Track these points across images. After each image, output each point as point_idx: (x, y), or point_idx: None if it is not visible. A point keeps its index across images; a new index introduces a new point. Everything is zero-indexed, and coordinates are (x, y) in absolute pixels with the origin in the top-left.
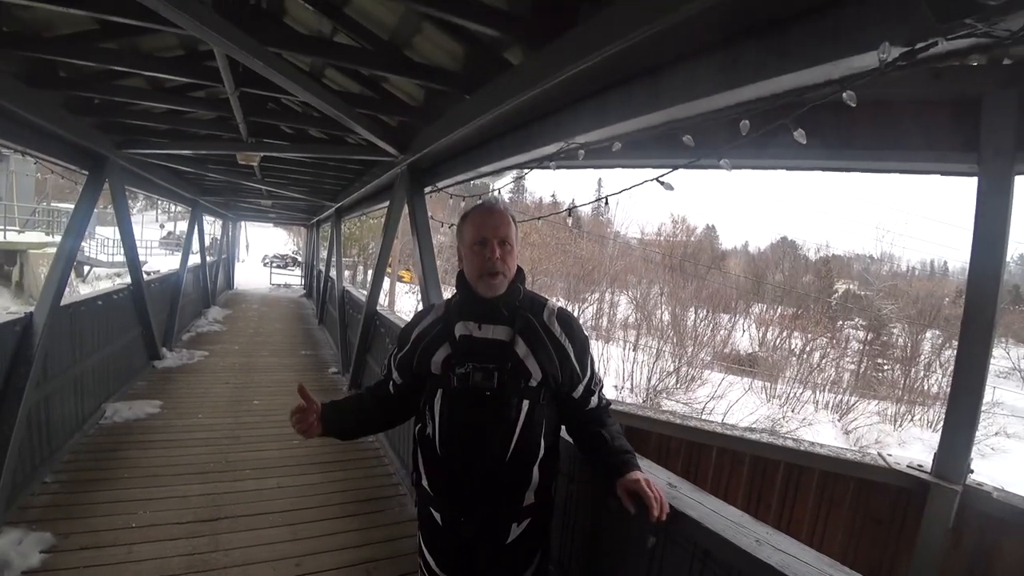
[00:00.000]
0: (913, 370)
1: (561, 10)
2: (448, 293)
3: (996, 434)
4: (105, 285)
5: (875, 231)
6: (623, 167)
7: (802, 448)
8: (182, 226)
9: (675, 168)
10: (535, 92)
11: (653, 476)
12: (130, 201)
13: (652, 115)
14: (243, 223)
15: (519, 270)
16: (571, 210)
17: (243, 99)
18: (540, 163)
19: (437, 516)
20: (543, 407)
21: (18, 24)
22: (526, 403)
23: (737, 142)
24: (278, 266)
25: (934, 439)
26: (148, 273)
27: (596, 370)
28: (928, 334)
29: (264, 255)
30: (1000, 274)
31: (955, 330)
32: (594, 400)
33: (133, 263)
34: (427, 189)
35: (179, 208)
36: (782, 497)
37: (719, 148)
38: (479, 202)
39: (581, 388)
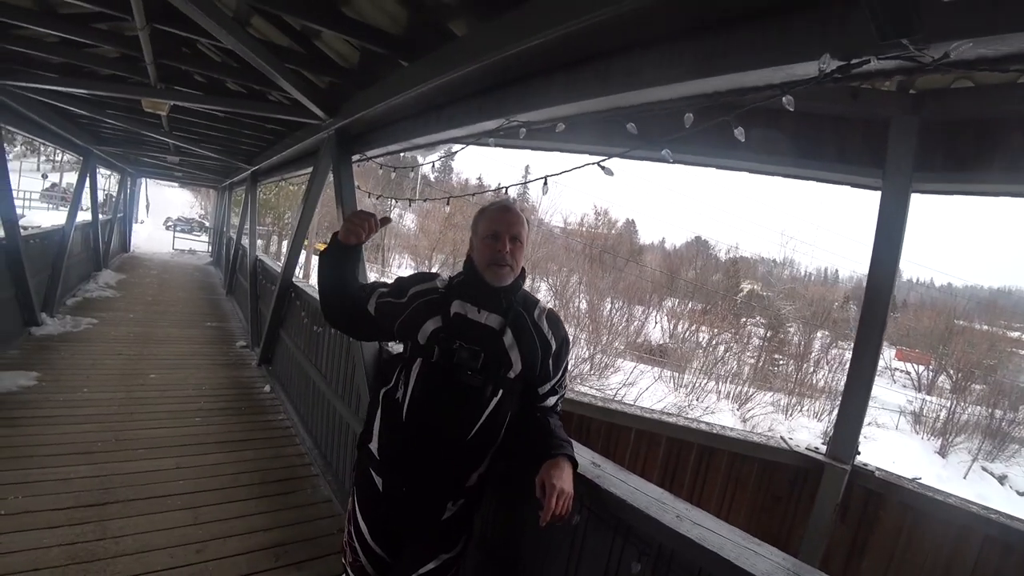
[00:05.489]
0: (804, 365)
1: None
2: (373, 272)
3: (868, 424)
4: None
5: (780, 236)
6: (564, 151)
7: (714, 431)
8: (69, 179)
9: (617, 156)
10: (480, 65)
11: (581, 458)
12: (6, 145)
13: (599, 99)
14: (144, 180)
15: (522, 269)
16: (504, 189)
17: (154, 37)
18: (478, 139)
19: (378, 481)
20: (513, 399)
21: None
22: (500, 391)
23: (678, 134)
24: (182, 230)
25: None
26: (25, 228)
27: (567, 376)
28: (819, 334)
29: (167, 217)
30: (894, 278)
31: (842, 331)
32: (551, 400)
33: (8, 215)
34: (355, 158)
35: (68, 158)
36: (694, 476)
37: (660, 139)
38: (496, 200)
39: (548, 386)
